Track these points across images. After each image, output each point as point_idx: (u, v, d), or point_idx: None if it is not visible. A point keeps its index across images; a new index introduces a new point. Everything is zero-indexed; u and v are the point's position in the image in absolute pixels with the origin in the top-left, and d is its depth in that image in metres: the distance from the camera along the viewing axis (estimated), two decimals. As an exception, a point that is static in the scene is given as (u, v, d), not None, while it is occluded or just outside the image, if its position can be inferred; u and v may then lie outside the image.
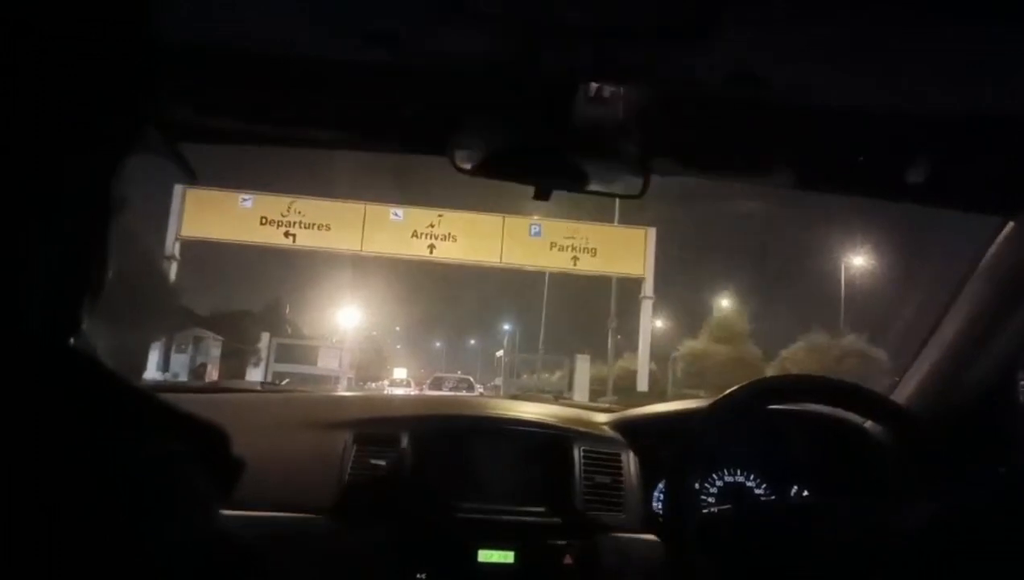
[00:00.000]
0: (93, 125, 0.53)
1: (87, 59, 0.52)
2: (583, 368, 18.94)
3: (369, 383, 27.17)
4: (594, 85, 1.00)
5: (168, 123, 1.07)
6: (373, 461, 1.34)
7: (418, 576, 1.28)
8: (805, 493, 1.43)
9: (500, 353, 24.32)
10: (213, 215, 13.39)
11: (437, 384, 24.67)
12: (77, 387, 0.48)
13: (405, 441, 1.38)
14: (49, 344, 0.50)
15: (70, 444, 0.44)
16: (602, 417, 1.54)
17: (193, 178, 0.81)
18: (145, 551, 0.44)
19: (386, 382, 33.10)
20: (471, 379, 28.88)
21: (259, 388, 1.75)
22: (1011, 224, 1.30)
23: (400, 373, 39.94)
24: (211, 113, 1.15)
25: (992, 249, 1.33)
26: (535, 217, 13.61)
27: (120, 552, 0.43)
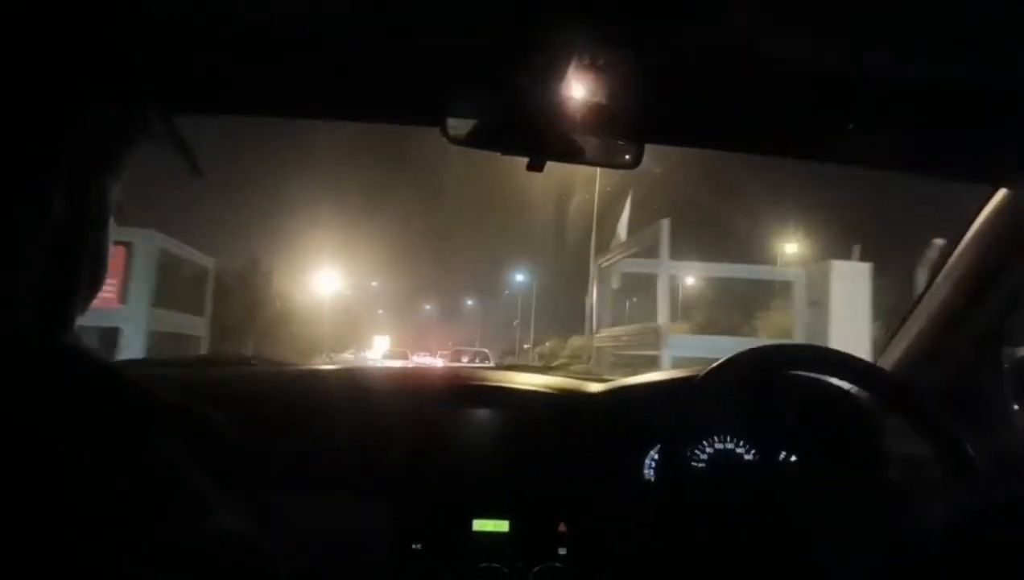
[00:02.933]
0: (83, 119, 0.52)
1: (74, 48, 0.51)
2: (855, 297, 7.95)
3: (335, 355, 23.93)
4: (588, 54, 0.99)
5: (158, 95, 1.05)
6: (365, 434, 1.35)
7: (414, 547, 1.29)
8: (793, 458, 1.45)
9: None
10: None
11: (457, 356, 25.59)
12: (72, 385, 0.47)
13: (397, 412, 1.39)
14: (44, 340, 0.50)
15: (66, 443, 0.43)
16: (594, 386, 1.55)
17: (200, 173, 0.80)
18: (145, 543, 0.44)
19: (369, 354, 30.47)
20: (487, 352, 28.56)
21: (249, 361, 1.74)
22: (998, 193, 1.31)
23: (382, 342, 36.40)
24: (196, 87, 1.13)
25: (979, 218, 1.34)
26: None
27: (120, 547, 0.43)
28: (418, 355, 32.05)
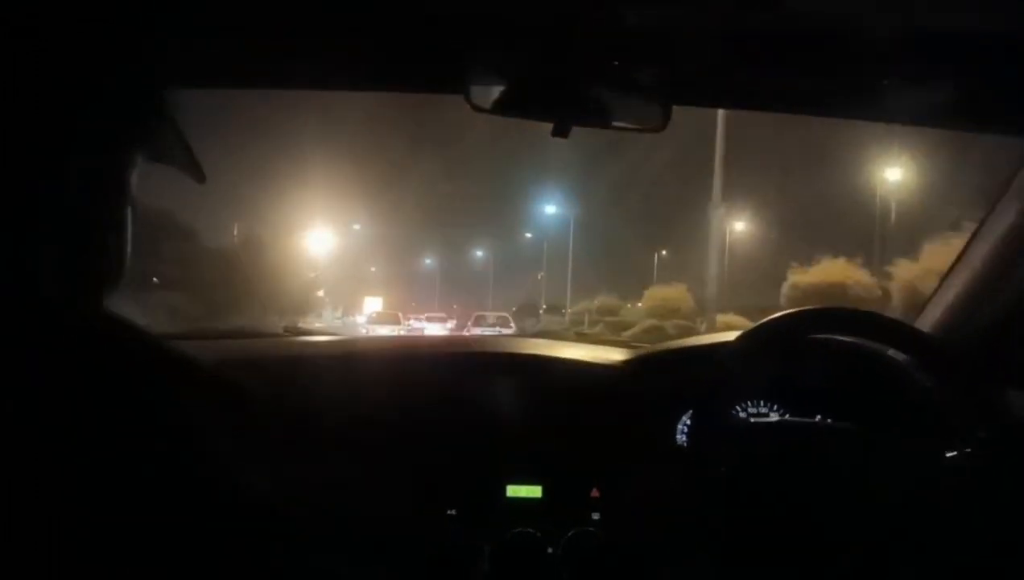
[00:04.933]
0: (99, 104, 0.53)
1: (89, 33, 0.52)
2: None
3: (293, 320, 16.09)
4: (612, 14, 0.97)
5: (175, 70, 1.06)
6: (397, 402, 1.36)
7: (448, 512, 1.31)
8: (828, 422, 1.43)
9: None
10: None
11: (479, 322, 24.20)
12: (103, 352, 0.49)
13: (429, 381, 1.40)
14: (71, 310, 0.51)
15: (99, 410, 0.44)
16: (626, 353, 1.55)
17: (203, 179, 0.81)
18: (178, 506, 0.45)
19: (359, 319, 25.25)
20: (507, 316, 25.96)
21: (281, 332, 1.77)
22: None
23: (374, 305, 31.21)
24: (218, 58, 1.13)
25: (1019, 175, 1.30)
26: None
27: (153, 511, 0.44)
28: (415, 319, 28.13)
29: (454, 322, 28.37)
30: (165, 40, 0.71)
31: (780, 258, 19.22)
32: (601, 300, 24.43)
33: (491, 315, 25.83)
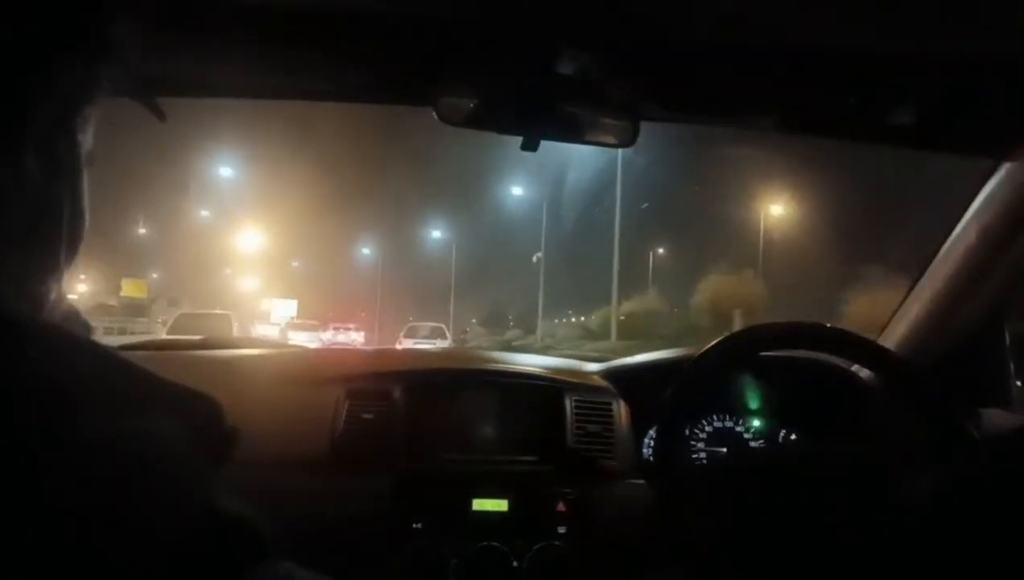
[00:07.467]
0: (49, 77, 0.50)
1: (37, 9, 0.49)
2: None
3: None
4: (582, 30, 0.98)
5: (142, 77, 1.03)
6: (365, 415, 1.35)
7: (414, 526, 1.30)
8: (793, 437, 1.45)
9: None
10: None
11: (411, 333, 22.24)
12: (52, 363, 0.46)
13: (397, 394, 1.39)
14: (19, 316, 0.48)
15: (46, 424, 0.42)
16: (593, 366, 1.55)
17: (164, 118, 0.77)
18: (135, 524, 0.43)
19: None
20: (443, 327, 24.39)
21: (245, 343, 1.74)
22: (1001, 168, 1.29)
23: (286, 310, 26.57)
24: (187, 65, 1.12)
25: (981, 193, 1.33)
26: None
27: (111, 529, 0.42)
28: (312, 331, 23.65)
29: (362, 334, 25.02)
30: (129, 51, 0.69)
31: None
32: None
33: (424, 326, 23.59)
